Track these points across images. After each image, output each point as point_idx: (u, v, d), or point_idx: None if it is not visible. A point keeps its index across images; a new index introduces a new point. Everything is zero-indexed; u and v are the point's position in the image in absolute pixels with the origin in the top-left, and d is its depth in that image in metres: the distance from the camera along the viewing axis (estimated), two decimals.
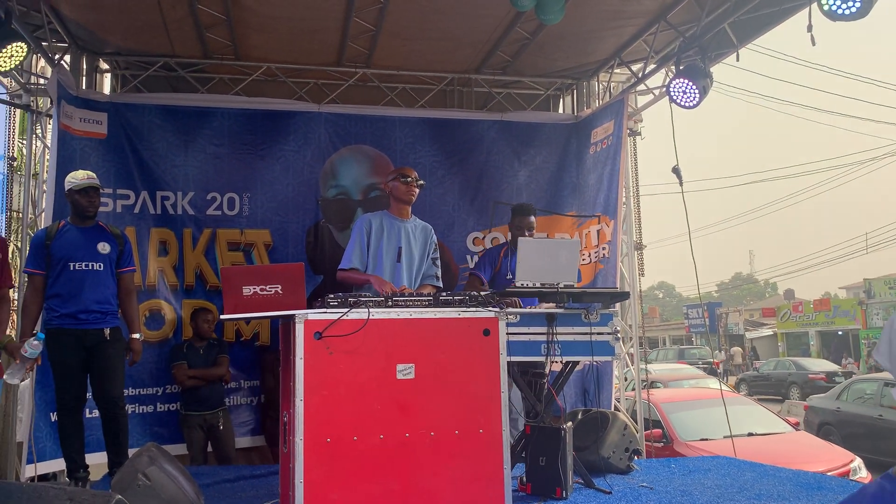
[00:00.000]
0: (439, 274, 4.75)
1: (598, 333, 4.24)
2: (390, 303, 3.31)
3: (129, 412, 5.96)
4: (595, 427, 4.67)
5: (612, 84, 7.12)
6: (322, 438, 3.07)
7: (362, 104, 6.87)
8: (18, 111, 6.45)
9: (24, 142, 6.34)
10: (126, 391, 5.93)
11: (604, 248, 6.59)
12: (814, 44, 4.47)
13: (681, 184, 5.99)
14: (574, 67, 7.07)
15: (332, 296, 3.26)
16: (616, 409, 6.53)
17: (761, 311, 42.36)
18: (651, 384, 15.25)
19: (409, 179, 4.65)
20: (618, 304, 6.94)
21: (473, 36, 6.28)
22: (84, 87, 6.30)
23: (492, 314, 3.44)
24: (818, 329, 33.66)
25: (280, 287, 3.10)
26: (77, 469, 4.41)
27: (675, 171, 6.01)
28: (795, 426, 9.16)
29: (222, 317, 3.22)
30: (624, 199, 6.72)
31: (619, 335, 4.32)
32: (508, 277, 5.09)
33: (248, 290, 3.07)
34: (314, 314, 3.14)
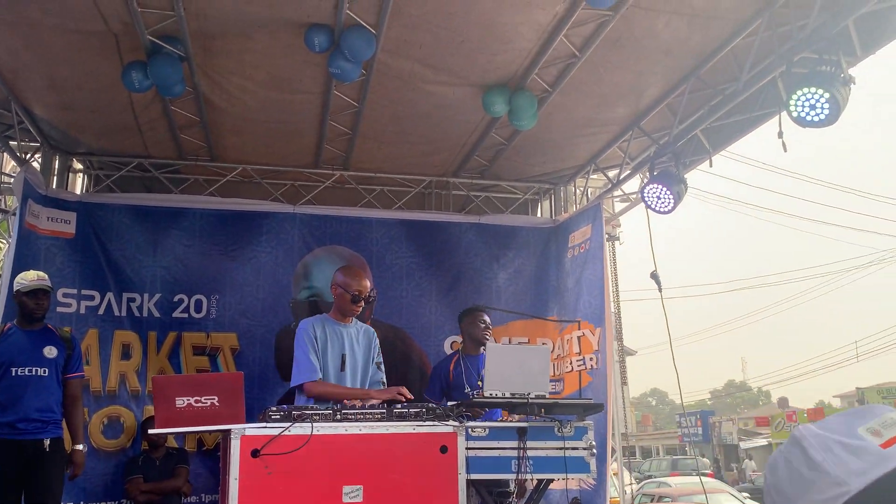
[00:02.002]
0: (384, 380, 4.48)
1: (573, 448, 3.97)
2: (338, 416, 3.06)
3: None
4: None
5: (590, 189, 7.11)
6: None
7: (339, 206, 6.80)
8: None
9: None
10: None
11: (591, 359, 6.36)
12: (785, 150, 4.45)
13: (660, 290, 5.83)
14: (551, 172, 7.08)
15: (273, 409, 3.02)
16: None
17: (755, 419, 41.50)
18: (659, 498, 14.62)
19: (358, 298, 4.30)
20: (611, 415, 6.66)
21: (450, 140, 6.29)
22: (55, 187, 6.22)
23: (450, 429, 3.20)
24: None
25: (217, 399, 2.87)
26: None
27: (654, 276, 5.87)
28: None
29: (150, 431, 2.97)
30: (613, 308, 6.57)
31: (594, 450, 4.04)
32: (466, 391, 4.84)
33: (181, 402, 2.83)
34: (252, 429, 2.89)
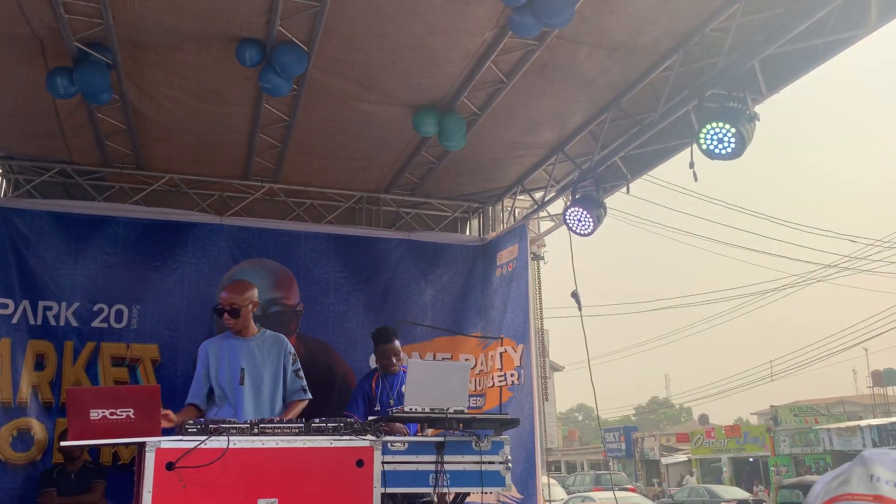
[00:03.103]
0: (306, 385, 4.46)
1: (489, 462, 4.09)
2: (255, 430, 3.09)
3: None
4: None
5: (517, 209, 7.30)
6: None
7: (268, 218, 6.78)
8: None
9: None
10: None
11: (512, 374, 6.51)
12: (696, 179, 4.70)
13: (579, 308, 6.05)
14: (479, 192, 7.24)
15: (190, 422, 3.02)
16: None
17: (676, 436, 42.70)
18: None
19: (219, 311, 4.27)
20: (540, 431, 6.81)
21: (381, 157, 6.37)
22: None
23: (366, 443, 3.26)
24: (730, 455, 34.03)
25: (132, 411, 2.86)
26: None
27: (574, 295, 6.08)
28: None
29: (63, 444, 2.93)
30: (538, 324, 6.74)
31: (510, 465, 4.16)
32: (390, 404, 4.90)
33: (95, 414, 2.81)
34: (168, 442, 2.89)
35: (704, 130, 4.36)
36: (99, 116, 5.48)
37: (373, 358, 6.70)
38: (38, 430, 5.75)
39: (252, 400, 4.19)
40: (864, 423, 25.96)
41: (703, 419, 47.93)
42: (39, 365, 5.88)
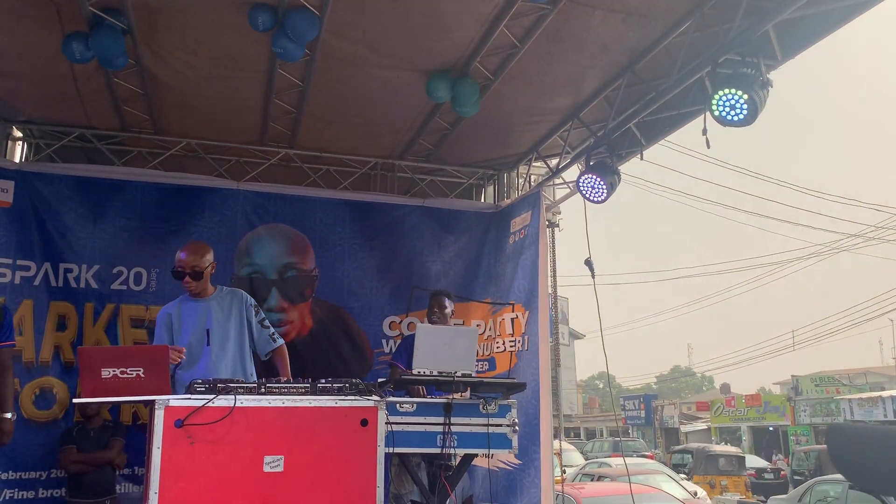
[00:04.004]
0: (274, 333, 4.48)
1: (496, 425, 4.16)
2: (262, 389, 3.17)
3: (8, 497, 5.60)
4: None
5: (532, 176, 7.27)
6: None
7: (284, 184, 6.84)
8: None
9: None
10: (5, 474, 5.62)
11: (519, 341, 6.55)
12: (708, 146, 4.66)
13: (592, 276, 6.05)
14: (494, 159, 7.22)
15: (199, 381, 3.11)
16: None
17: (696, 404, 42.75)
18: (599, 478, 15.02)
19: (179, 274, 4.29)
20: (546, 398, 6.87)
21: (395, 123, 6.37)
22: None
23: (371, 403, 3.33)
24: (749, 424, 34.03)
25: (142, 370, 2.94)
26: None
27: (588, 263, 6.08)
28: None
29: (75, 400, 3.04)
30: (550, 291, 6.75)
31: (517, 427, 4.23)
32: None
33: (107, 373, 2.90)
34: (176, 400, 2.98)
35: (717, 97, 4.31)
36: (115, 81, 5.53)
37: (386, 322, 6.84)
38: (59, 388, 5.91)
39: (220, 359, 4.20)
40: (885, 393, 25.80)
41: (725, 388, 47.93)
42: (61, 326, 6.03)
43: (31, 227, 6.00)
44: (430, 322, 5.47)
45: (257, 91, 5.74)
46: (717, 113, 4.34)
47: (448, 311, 5.50)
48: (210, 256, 4.36)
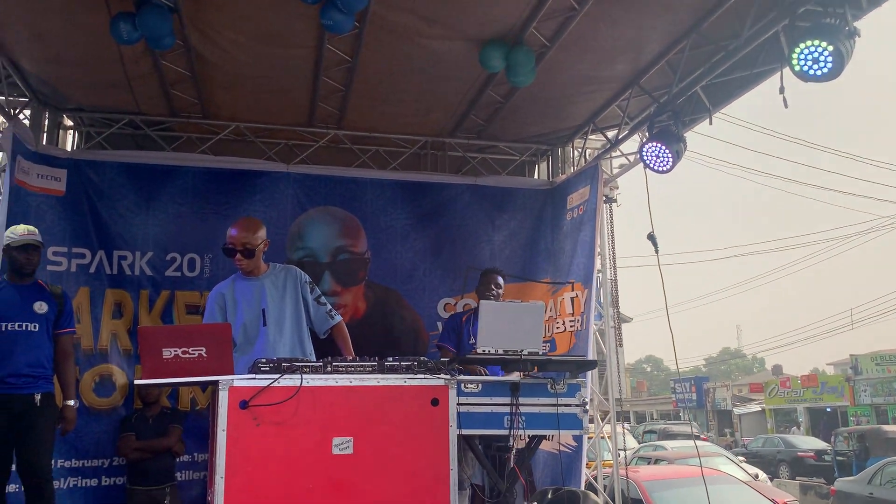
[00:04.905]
0: (332, 309, 4.33)
1: (566, 405, 3.97)
2: (329, 368, 3.02)
3: (71, 485, 5.61)
4: None
5: (588, 150, 7.02)
6: None
7: (333, 165, 6.71)
8: None
9: None
10: (68, 462, 5.61)
11: (578, 320, 6.34)
12: (786, 106, 4.36)
13: (656, 251, 5.77)
14: (548, 133, 6.98)
15: (263, 360, 2.98)
16: (592, 488, 6.17)
17: (749, 386, 41.86)
18: (656, 461, 14.74)
19: (231, 251, 4.15)
20: (596, 377, 6.66)
21: (445, 98, 6.18)
22: (45, 143, 6.11)
23: (441, 382, 3.16)
24: (806, 405, 33.18)
25: (204, 350, 2.82)
26: None
27: (651, 237, 5.80)
28: None
29: (136, 382, 2.93)
30: (599, 268, 6.51)
31: (587, 407, 4.03)
32: (471, 342, 4.84)
33: (168, 353, 2.78)
34: (241, 380, 2.85)
35: (798, 50, 4.01)
36: (163, 64, 5.45)
37: (441, 304, 6.68)
38: (118, 376, 5.90)
39: (277, 339, 4.05)
40: None
41: (777, 370, 46.88)
42: (117, 313, 6.01)
43: (84, 215, 5.99)
44: (479, 299, 5.31)
45: (305, 69, 5.60)
46: (798, 68, 4.04)
47: (502, 289, 5.33)
48: (263, 233, 4.24)
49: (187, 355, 2.81)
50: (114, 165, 6.13)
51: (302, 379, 2.92)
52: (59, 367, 4.34)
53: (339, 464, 2.90)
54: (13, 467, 4.18)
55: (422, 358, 3.24)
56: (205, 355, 2.83)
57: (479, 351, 3.88)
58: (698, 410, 41.37)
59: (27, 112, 6.06)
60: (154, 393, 5.61)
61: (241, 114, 6.42)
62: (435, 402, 3.11)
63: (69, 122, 6.57)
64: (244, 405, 2.82)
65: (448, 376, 3.25)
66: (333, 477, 2.89)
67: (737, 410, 38.81)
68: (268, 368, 2.94)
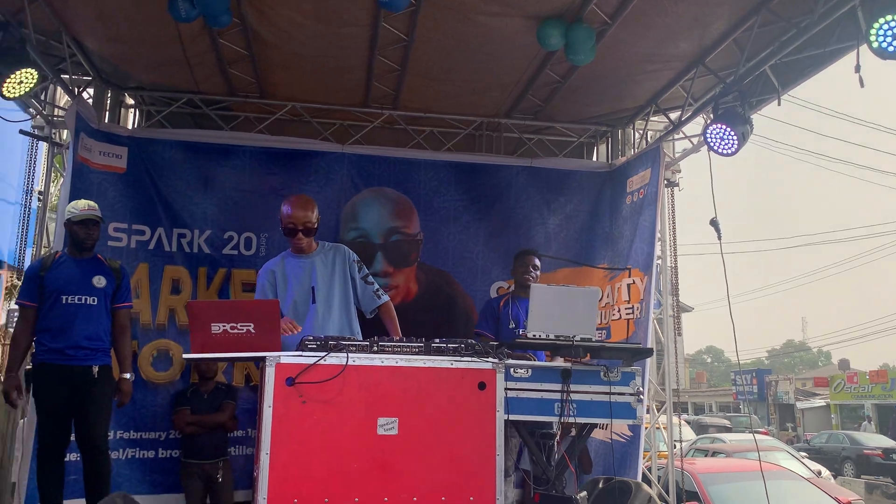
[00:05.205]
0: (379, 289, 4.31)
1: (619, 394, 3.86)
2: (375, 348, 2.98)
3: (130, 456, 5.74)
4: (614, 498, 4.23)
5: (649, 132, 6.81)
6: (289, 498, 2.73)
7: (388, 146, 6.68)
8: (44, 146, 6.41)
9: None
10: (127, 433, 5.74)
11: (636, 308, 6.18)
12: (862, 85, 4.11)
13: (719, 237, 5.57)
14: (608, 114, 6.80)
15: (310, 338, 2.96)
16: (646, 479, 6.03)
17: (813, 380, 40.58)
18: (713, 454, 14.43)
19: (292, 230, 4.16)
20: (654, 367, 6.50)
21: (502, 78, 6.07)
22: (107, 121, 6.24)
23: (489, 366, 3.09)
24: (874, 402, 31.97)
25: (252, 326, 2.81)
26: None
27: (713, 223, 5.59)
28: None
29: (185, 356, 2.95)
30: (659, 254, 6.32)
31: (641, 396, 3.91)
32: (511, 327, 4.74)
33: (216, 328, 2.79)
34: (288, 357, 2.84)
35: (877, 26, 3.77)
36: (221, 42, 5.48)
37: (493, 287, 6.60)
38: (176, 351, 6.00)
39: (326, 317, 4.05)
40: None
41: (844, 364, 45.26)
42: (175, 289, 6.11)
43: (145, 193, 6.09)
44: (522, 284, 5.23)
45: (361, 48, 5.56)
46: (876, 45, 3.80)
47: (539, 271, 5.24)
48: (317, 211, 4.25)
49: (235, 331, 2.81)
50: (173, 144, 6.21)
51: (348, 357, 2.89)
52: (117, 340, 4.42)
53: (383, 444, 2.86)
54: (72, 437, 4.29)
55: (469, 340, 3.18)
56: (253, 331, 2.83)
57: (529, 335, 3.79)
58: (759, 403, 40.34)
59: (90, 90, 6.19)
60: (212, 368, 5.70)
61: (297, 94, 6.43)
62: (482, 386, 3.05)
63: (131, 101, 6.69)
64: (290, 382, 2.81)
65: (496, 360, 3.17)
66: (377, 457, 2.86)
67: (800, 405, 37.68)
68: (315, 346, 2.93)
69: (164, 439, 5.86)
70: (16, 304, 4.76)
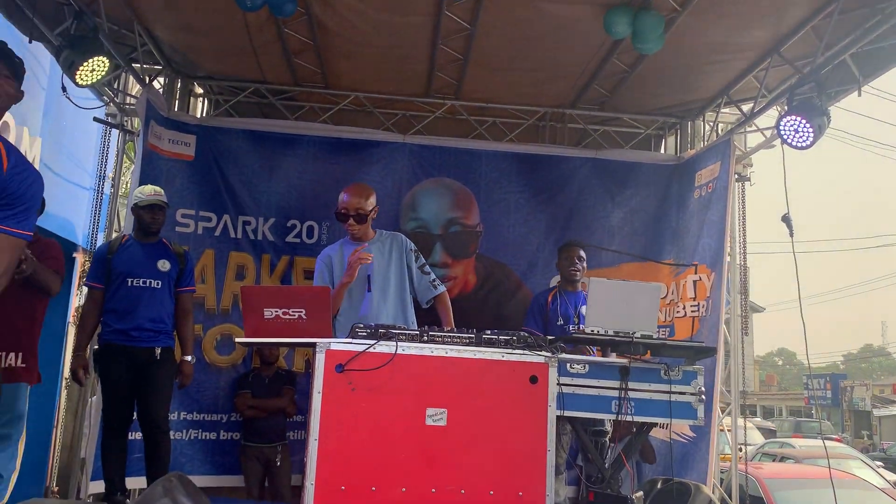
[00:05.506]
0: (435, 279, 4.28)
1: (680, 393, 3.74)
2: (425, 338, 2.95)
3: (192, 437, 5.89)
4: (672, 500, 4.10)
5: (720, 124, 6.57)
6: (336, 485, 2.73)
7: (449, 137, 6.64)
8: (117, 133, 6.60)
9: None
10: (190, 415, 5.90)
11: (702, 305, 5.98)
12: None
13: (791, 234, 5.33)
14: (677, 105, 6.59)
15: (361, 325, 2.95)
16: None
17: (892, 387, 38.78)
18: (781, 459, 13.96)
19: (344, 216, 4.16)
20: (721, 368, 6.29)
21: (567, 67, 5.94)
22: (176, 110, 6.40)
23: (541, 359, 3.02)
24: None
25: (304, 311, 2.82)
26: (115, 492, 4.28)
27: (786, 219, 5.36)
28: None
29: (238, 340, 2.98)
30: (728, 250, 6.10)
31: (702, 396, 3.78)
32: (559, 324, 4.65)
33: (269, 313, 2.81)
34: (338, 344, 2.83)
35: None
36: (286, 32, 5.54)
37: (553, 281, 6.49)
38: (239, 335, 6.08)
39: (381, 305, 4.04)
40: None
41: None
42: (240, 275, 6.23)
43: (212, 180, 6.22)
44: (568, 278, 5.09)
45: (424, 37, 5.53)
46: None
47: (584, 262, 5.13)
48: (373, 200, 4.24)
49: (287, 316, 2.83)
50: (239, 133, 6.32)
51: (397, 346, 2.87)
52: (179, 323, 4.53)
53: (431, 435, 2.83)
54: (135, 416, 4.42)
55: (521, 333, 3.12)
56: (304, 317, 2.84)
57: (586, 331, 3.70)
58: (833, 409, 38.84)
59: (161, 79, 6.34)
60: (273, 353, 5.80)
61: (361, 84, 6.45)
62: (534, 380, 2.98)
63: (199, 90, 6.84)
64: (340, 369, 2.81)
65: (549, 354, 3.10)
66: (425, 448, 2.83)
67: (877, 412, 36.09)
68: (365, 334, 2.92)
69: (225, 421, 6.00)
70: (84, 285, 4.91)
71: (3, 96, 2.38)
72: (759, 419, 30.50)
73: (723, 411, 6.35)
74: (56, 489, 6.33)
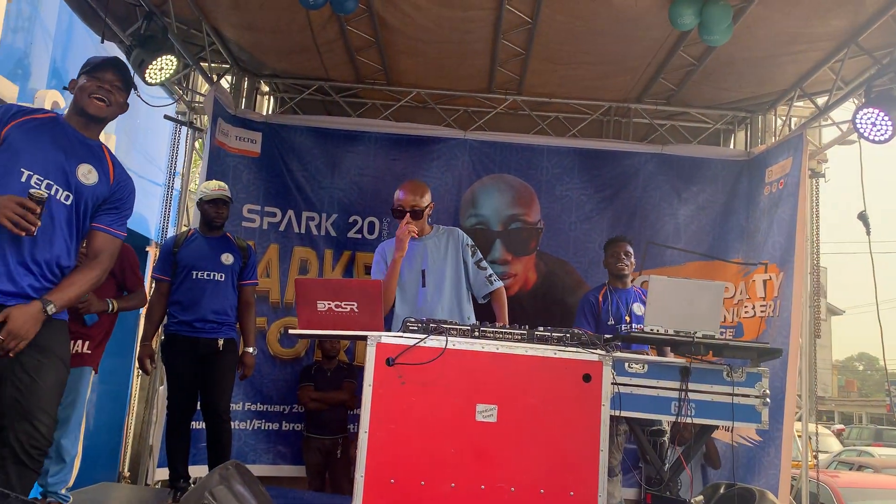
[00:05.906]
0: (492, 275, 4.25)
1: (743, 395, 3.61)
2: (476, 333, 2.93)
3: (256, 427, 6.03)
4: None
5: (793, 118, 6.32)
6: (385, 478, 2.73)
7: (511, 132, 6.59)
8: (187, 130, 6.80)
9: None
10: (254, 406, 6.04)
11: (770, 305, 5.76)
12: None
13: (868, 231, 5.10)
14: (747, 99, 6.37)
15: (412, 320, 2.94)
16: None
17: None
18: (859, 468, 13.39)
19: (399, 212, 4.16)
20: (793, 372, 6.06)
21: (631, 61, 5.82)
22: (243, 107, 6.54)
23: (595, 357, 2.95)
24: None
25: (356, 304, 2.84)
26: (178, 479, 4.40)
27: (862, 216, 5.14)
28: None
29: (291, 331, 3.02)
30: (813, 251, 5.87)
31: (767, 399, 3.63)
32: (610, 324, 4.54)
33: (322, 306, 2.83)
34: (389, 337, 2.84)
35: None
36: (348, 29, 5.59)
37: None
38: None
39: (435, 300, 4.05)
40: None
41: None
42: (303, 269, 6.34)
43: (277, 177, 6.35)
44: (616, 274, 5.02)
45: (485, 32, 5.50)
46: None
47: (632, 257, 5.00)
48: (428, 196, 4.25)
49: (340, 309, 2.85)
50: (304, 130, 6.42)
51: (447, 341, 2.86)
52: (242, 316, 4.63)
53: (481, 431, 2.81)
54: (198, 406, 4.54)
55: (575, 330, 3.06)
56: (356, 310, 2.86)
57: (645, 330, 3.61)
58: None
59: (228, 78, 6.50)
60: (335, 347, 5.89)
61: (422, 80, 6.47)
62: (587, 378, 2.92)
63: (265, 88, 6.99)
64: (390, 362, 2.81)
65: (603, 352, 3.03)
66: (475, 444, 2.81)
67: None
68: (416, 328, 2.92)
69: (288, 413, 6.12)
70: (152, 277, 5.07)
71: (115, 107, 2.76)
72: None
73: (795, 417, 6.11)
74: (128, 474, 6.58)
